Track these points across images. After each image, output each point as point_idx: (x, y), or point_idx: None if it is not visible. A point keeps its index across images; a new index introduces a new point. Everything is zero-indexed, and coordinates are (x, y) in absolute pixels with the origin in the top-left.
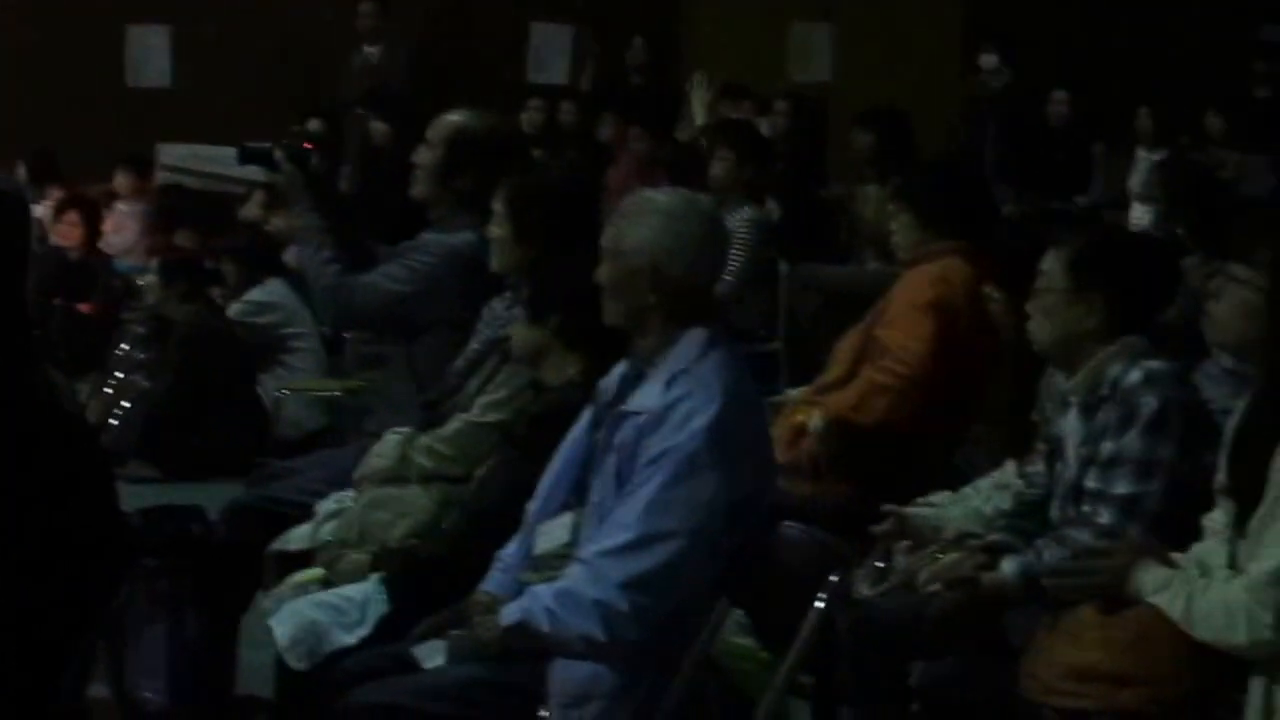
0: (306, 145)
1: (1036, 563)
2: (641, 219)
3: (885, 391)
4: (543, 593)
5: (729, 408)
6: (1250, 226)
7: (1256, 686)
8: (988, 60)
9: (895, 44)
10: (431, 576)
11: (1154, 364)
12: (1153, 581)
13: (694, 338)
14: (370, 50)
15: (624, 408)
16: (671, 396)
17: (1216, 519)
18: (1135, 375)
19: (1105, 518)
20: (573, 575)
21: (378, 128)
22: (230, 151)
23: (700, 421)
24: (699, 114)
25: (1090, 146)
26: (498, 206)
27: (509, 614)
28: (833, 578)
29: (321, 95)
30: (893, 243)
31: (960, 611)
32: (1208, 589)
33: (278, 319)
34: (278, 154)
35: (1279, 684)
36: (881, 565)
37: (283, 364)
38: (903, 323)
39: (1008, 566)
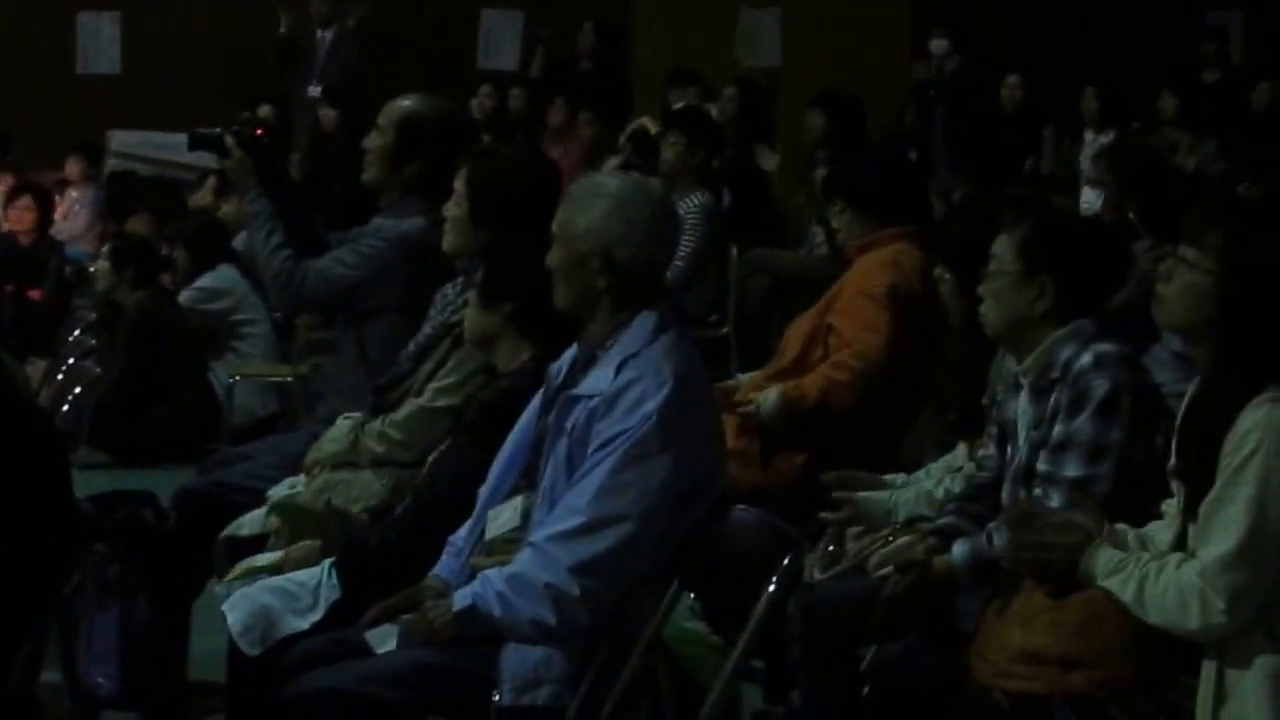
0: (257, 131)
1: (987, 547)
2: (591, 203)
3: (845, 388)
4: (494, 577)
5: (679, 392)
6: (1201, 209)
7: (1208, 670)
8: (937, 45)
9: (844, 28)
10: (384, 562)
11: (1105, 347)
12: (1104, 564)
13: (644, 322)
14: (323, 35)
15: (574, 392)
16: (622, 381)
17: (1173, 505)
18: (1086, 358)
19: (1056, 501)
20: (523, 559)
21: (328, 114)
22: (181, 138)
23: (651, 405)
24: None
25: (1040, 130)
26: (458, 185)
27: (460, 599)
28: (784, 562)
29: (271, 82)
30: (839, 238)
31: (911, 595)
32: (1160, 573)
33: (229, 305)
34: (228, 140)
35: (1230, 667)
36: (833, 549)
37: (234, 350)
38: (857, 312)
39: (958, 550)
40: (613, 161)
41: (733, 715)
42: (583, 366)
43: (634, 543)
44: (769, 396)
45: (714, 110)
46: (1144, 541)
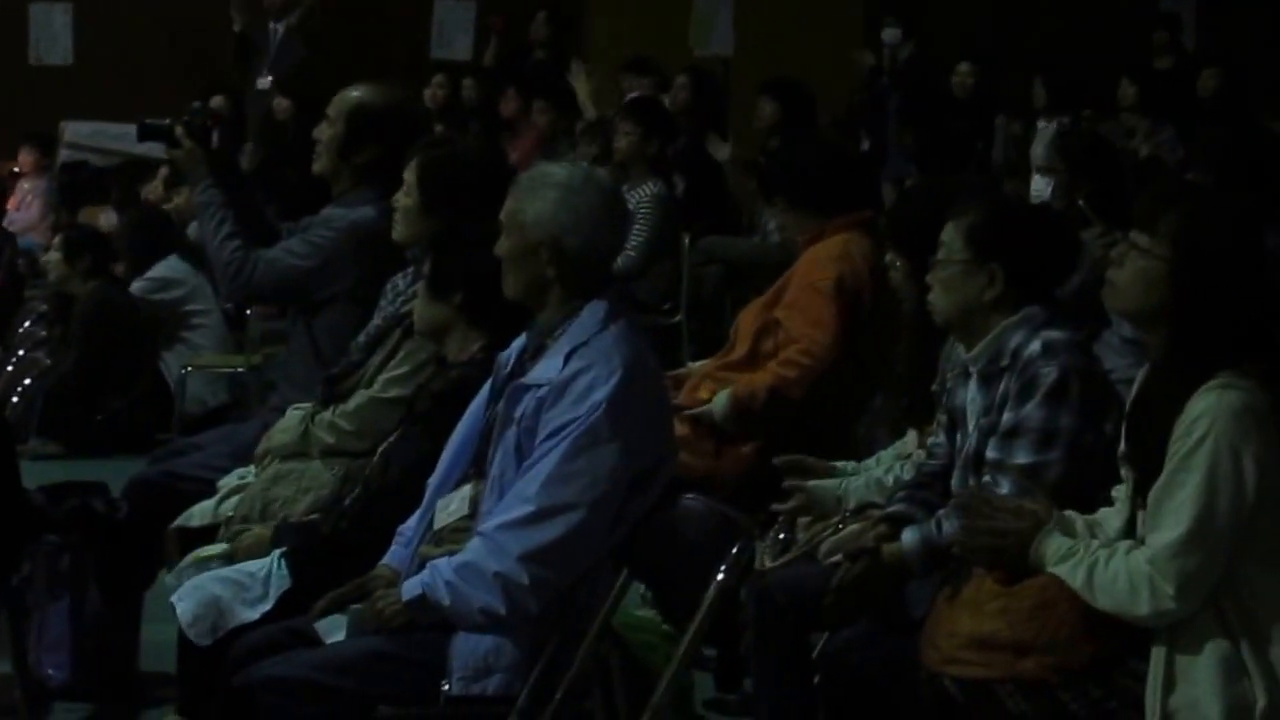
0: (207, 120)
1: (936, 533)
2: (540, 192)
3: (795, 385)
4: (444, 566)
5: (629, 380)
6: (1153, 195)
7: (1157, 655)
8: (890, 33)
9: (797, 18)
10: (334, 551)
11: (1054, 334)
12: (1054, 550)
13: (594, 310)
14: (275, 26)
15: (523, 380)
16: (571, 369)
17: (1124, 490)
18: (1035, 345)
19: (1006, 488)
20: (473, 548)
21: (281, 104)
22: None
23: (600, 394)
24: (588, 107)
25: (992, 118)
26: (408, 175)
27: (410, 588)
28: (733, 550)
29: (225, 71)
30: (784, 234)
31: (861, 582)
32: (1110, 559)
33: (180, 295)
34: (178, 130)
35: (1180, 652)
36: (784, 537)
37: (185, 341)
38: (805, 307)
39: (908, 537)
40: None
41: (686, 703)
42: (532, 355)
43: (583, 531)
44: (719, 399)
45: (666, 100)
46: (1094, 528)
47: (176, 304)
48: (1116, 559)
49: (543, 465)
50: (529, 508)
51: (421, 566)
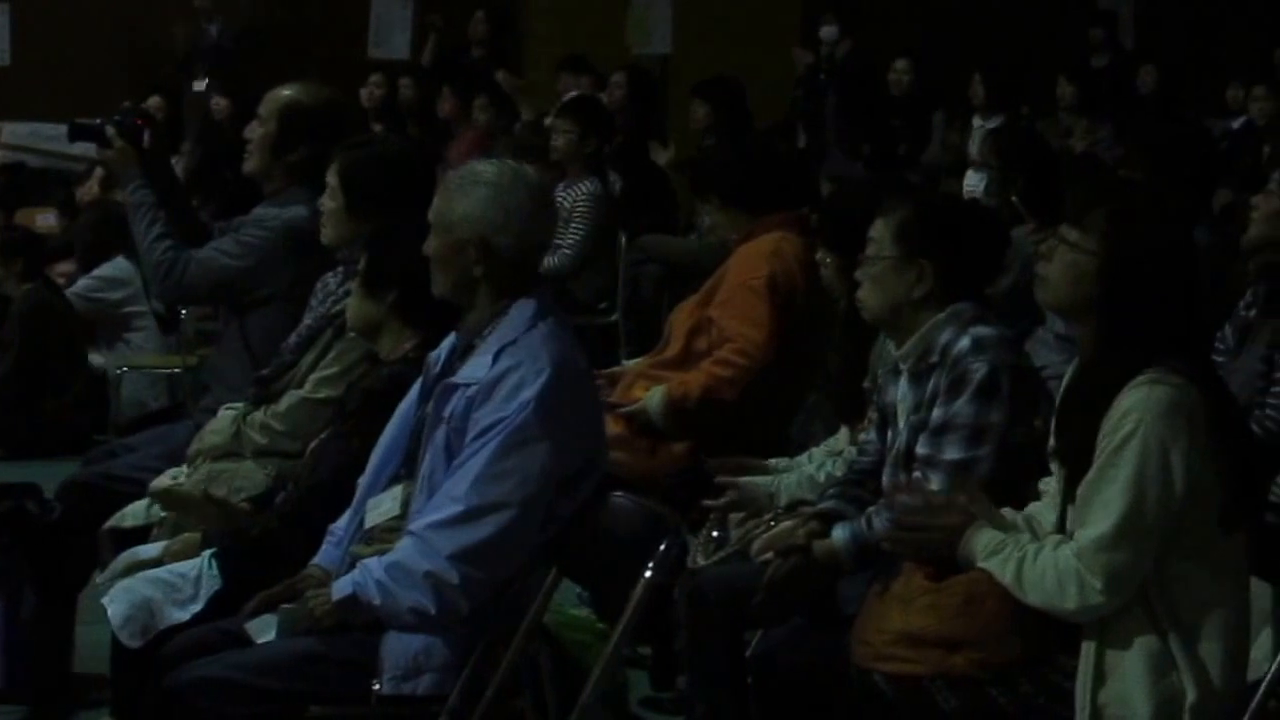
0: (139, 121)
1: (867, 530)
2: (468, 191)
3: (729, 384)
4: (374, 566)
5: (558, 378)
6: (1083, 190)
7: (1087, 650)
8: (827, 31)
9: (735, 15)
10: (264, 551)
11: (983, 330)
12: (984, 545)
13: (522, 309)
14: (209, 27)
15: (453, 379)
16: (500, 368)
17: (1053, 482)
18: (965, 342)
19: (936, 483)
20: (403, 548)
21: (219, 104)
22: None
23: (529, 392)
24: (524, 111)
25: (930, 115)
26: (330, 179)
27: (340, 587)
28: (662, 547)
29: (162, 72)
30: (717, 234)
31: (792, 579)
32: (1038, 554)
33: (124, 295)
34: (109, 130)
35: (1109, 647)
36: (717, 535)
37: (126, 342)
38: (738, 305)
39: (839, 534)
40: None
41: (621, 701)
42: (461, 354)
43: (514, 530)
44: (654, 397)
45: (605, 98)
46: (1030, 523)
47: (120, 304)
48: (1045, 554)
49: (472, 464)
50: (459, 507)
51: (352, 566)
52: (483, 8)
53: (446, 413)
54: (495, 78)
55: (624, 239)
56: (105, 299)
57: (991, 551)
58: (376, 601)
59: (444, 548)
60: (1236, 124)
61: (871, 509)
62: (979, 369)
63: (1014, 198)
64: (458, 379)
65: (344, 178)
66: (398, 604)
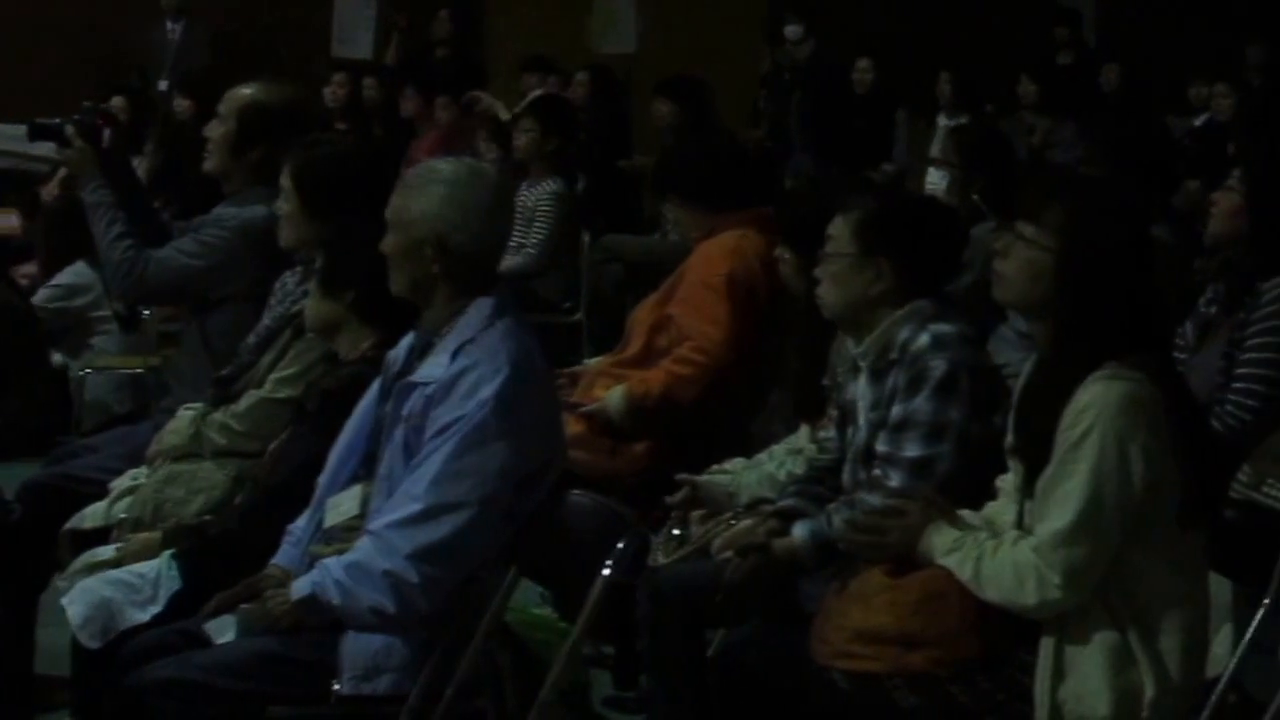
0: (99, 120)
1: (827, 527)
2: (425, 189)
3: (689, 383)
4: (333, 565)
5: (516, 377)
6: (1038, 186)
7: (1046, 646)
8: (792, 30)
9: (699, 14)
10: (224, 552)
11: (942, 327)
12: (942, 543)
13: (480, 307)
14: (173, 27)
15: (411, 378)
16: (458, 366)
17: (1009, 479)
18: (924, 339)
19: (895, 480)
20: (362, 547)
21: (181, 104)
22: None
23: (488, 391)
24: (501, 112)
25: (893, 114)
26: (284, 182)
27: (299, 587)
28: (620, 545)
29: (125, 72)
30: (678, 233)
31: (752, 578)
32: (997, 550)
33: (87, 301)
34: (69, 129)
35: (1068, 643)
36: (678, 533)
37: (90, 347)
38: (698, 303)
39: (799, 531)
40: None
41: (584, 701)
42: (419, 353)
43: (473, 529)
44: (614, 396)
45: (570, 95)
46: (989, 523)
47: (84, 310)
48: (1004, 550)
49: (431, 463)
50: (417, 506)
51: (312, 565)
52: (447, 7)
53: (405, 412)
54: (465, 74)
55: (587, 238)
56: (68, 307)
57: (950, 549)
58: (336, 601)
59: (403, 547)
60: (1199, 121)
61: (831, 506)
62: (938, 366)
63: (974, 195)
64: (416, 378)
65: (297, 180)
66: (357, 604)
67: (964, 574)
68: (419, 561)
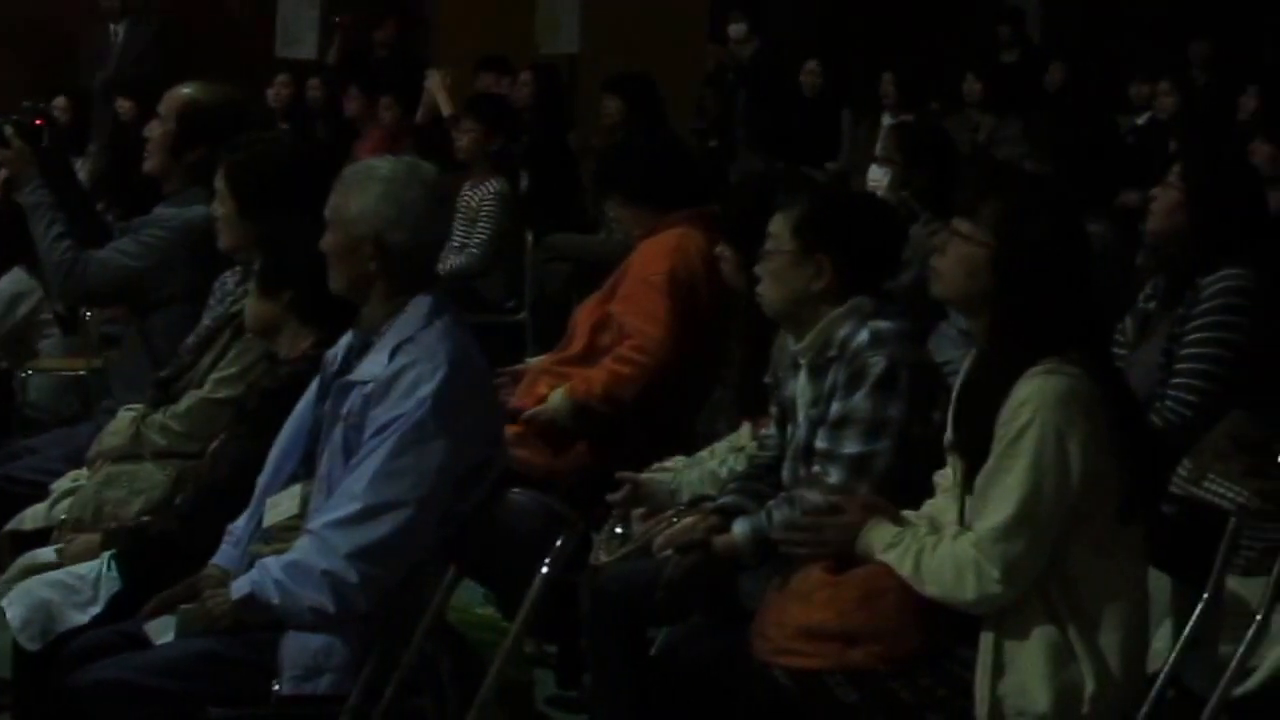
0: (37, 121)
1: (767, 524)
2: (363, 187)
3: (630, 381)
4: (272, 565)
5: (455, 375)
6: (975, 182)
7: (986, 642)
8: (736, 29)
9: (644, 14)
10: (164, 552)
11: (882, 324)
12: (882, 539)
13: (418, 306)
14: (116, 28)
15: (349, 378)
16: (397, 365)
17: (947, 476)
18: (863, 336)
19: (835, 477)
20: (301, 547)
21: (123, 105)
22: None
23: (426, 389)
24: (444, 104)
25: (839, 113)
26: (218, 184)
27: (238, 587)
28: (559, 543)
29: (70, 72)
30: (621, 231)
31: (692, 575)
32: (936, 546)
33: (31, 307)
34: (6, 130)
35: (1009, 638)
36: (619, 532)
37: (38, 353)
38: (639, 301)
39: (739, 528)
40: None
41: (526, 700)
42: (358, 352)
43: (412, 528)
44: (556, 397)
45: (512, 94)
46: (930, 521)
47: (27, 317)
48: (943, 545)
49: (370, 462)
50: (356, 505)
51: (251, 565)
52: (389, 7)
53: (344, 411)
54: (409, 74)
55: (531, 237)
56: (13, 318)
57: (890, 544)
58: (275, 601)
59: (342, 546)
60: (1142, 120)
61: (771, 503)
62: (877, 363)
63: (904, 191)
64: (354, 377)
65: (231, 181)
66: (297, 603)
67: (904, 569)
68: (358, 561)
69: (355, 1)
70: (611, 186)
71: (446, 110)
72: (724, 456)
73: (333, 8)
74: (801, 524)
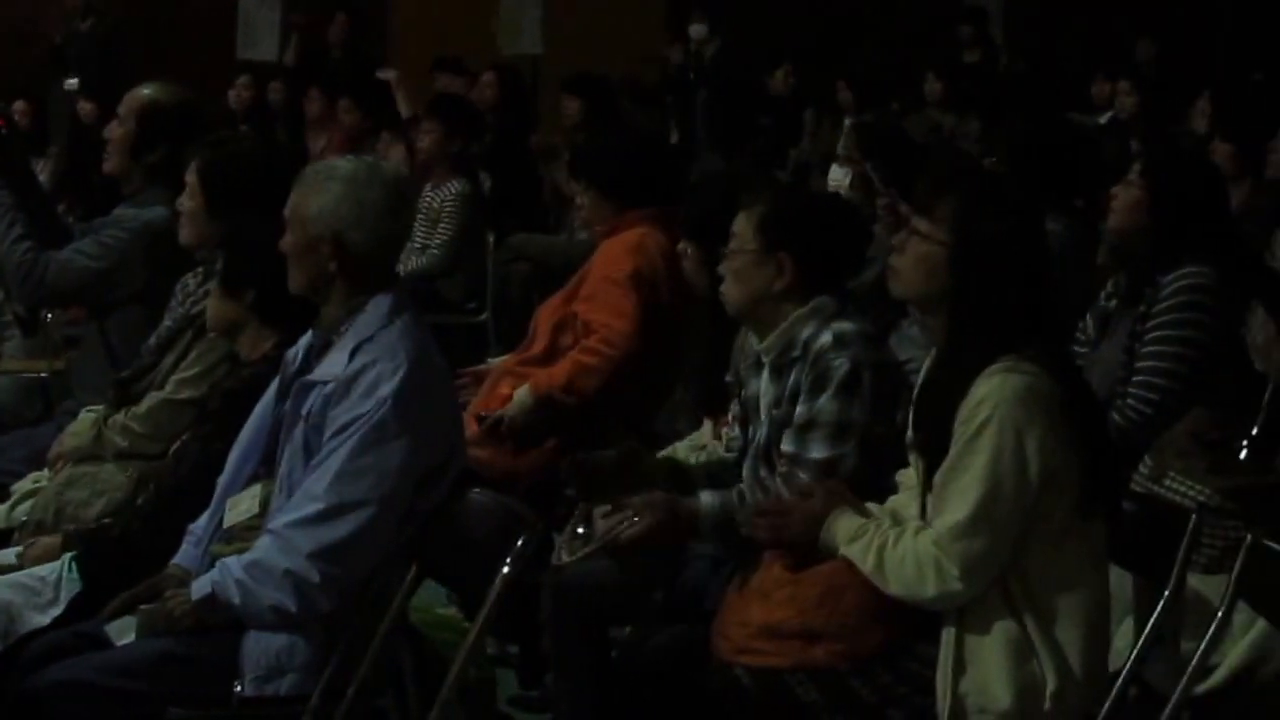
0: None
1: (737, 503)
2: (323, 186)
3: (594, 372)
4: (233, 565)
5: (415, 374)
6: (932, 180)
7: (947, 639)
8: (697, 29)
9: (605, 15)
10: (125, 554)
11: (845, 325)
12: (846, 531)
13: (378, 306)
14: (80, 26)
15: (309, 377)
16: (357, 364)
17: (909, 475)
18: (826, 337)
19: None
20: (262, 546)
21: (84, 106)
22: None
23: (386, 389)
24: (403, 105)
25: (801, 113)
26: (190, 178)
27: (199, 587)
28: (519, 543)
29: (33, 73)
30: (581, 218)
31: (649, 536)
32: (898, 540)
33: None
34: None
35: (970, 635)
36: (581, 532)
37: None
38: (604, 298)
39: (707, 498)
40: None
41: (489, 700)
42: (318, 352)
43: (373, 528)
44: (520, 395)
45: (477, 95)
46: (893, 515)
47: None
48: (905, 540)
49: (330, 462)
50: (318, 505)
51: (212, 565)
52: (345, 9)
53: (304, 410)
54: (368, 74)
55: (492, 238)
56: None
57: (853, 537)
58: (236, 600)
59: (304, 546)
60: (1104, 119)
61: (742, 485)
62: (841, 365)
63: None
64: (314, 376)
65: (204, 177)
66: (258, 602)
67: (867, 564)
68: (320, 560)
69: (310, 2)
70: (583, 173)
71: (405, 112)
72: (685, 455)
73: (293, 9)
74: (769, 508)
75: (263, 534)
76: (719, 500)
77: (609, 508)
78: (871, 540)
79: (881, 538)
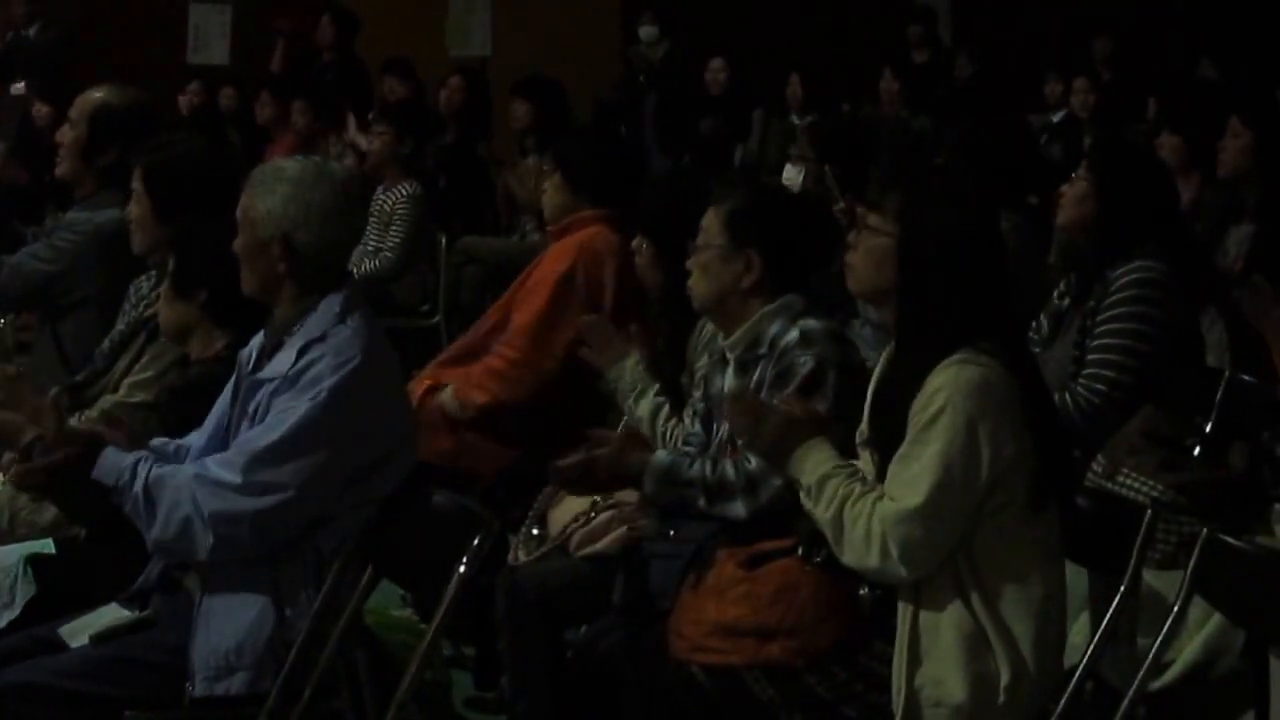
0: None
1: (687, 468)
2: (271, 187)
3: (495, 375)
4: (149, 473)
5: (361, 370)
6: (882, 176)
7: (902, 633)
8: (647, 31)
9: (555, 16)
10: (80, 557)
11: (811, 323)
12: (815, 465)
13: (330, 305)
14: (28, 30)
15: (259, 376)
16: (303, 362)
17: (865, 467)
18: (792, 334)
19: None
20: (179, 482)
21: (39, 109)
22: None
23: (328, 383)
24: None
25: (749, 114)
26: (135, 184)
27: (107, 471)
28: (475, 543)
29: None
30: (543, 203)
31: (587, 474)
32: (859, 500)
33: None
34: None
35: (925, 629)
36: (536, 533)
37: None
38: (530, 299)
39: (660, 455)
40: None
41: (444, 702)
42: (269, 352)
43: (284, 511)
44: (444, 397)
45: (443, 99)
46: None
47: None
48: (865, 503)
49: (262, 439)
50: (237, 478)
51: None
52: (328, 11)
53: (252, 408)
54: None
55: (444, 240)
56: None
57: (823, 476)
58: (127, 507)
59: (210, 505)
60: (1058, 117)
61: (695, 452)
62: (806, 362)
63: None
64: (263, 375)
65: (149, 182)
66: (143, 518)
67: (827, 510)
68: (219, 524)
69: (295, 7)
70: (560, 161)
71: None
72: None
73: (273, 14)
74: (750, 403)
75: (190, 464)
76: (670, 459)
77: (559, 495)
78: (839, 488)
79: (848, 489)
